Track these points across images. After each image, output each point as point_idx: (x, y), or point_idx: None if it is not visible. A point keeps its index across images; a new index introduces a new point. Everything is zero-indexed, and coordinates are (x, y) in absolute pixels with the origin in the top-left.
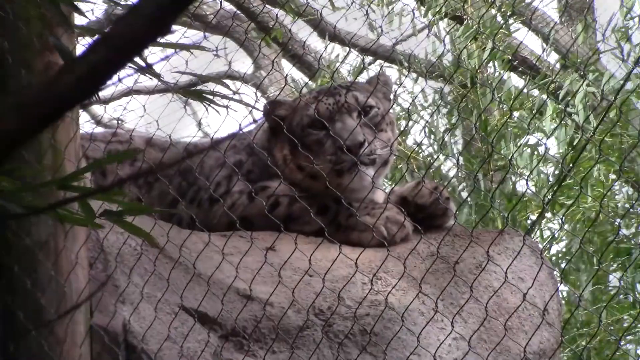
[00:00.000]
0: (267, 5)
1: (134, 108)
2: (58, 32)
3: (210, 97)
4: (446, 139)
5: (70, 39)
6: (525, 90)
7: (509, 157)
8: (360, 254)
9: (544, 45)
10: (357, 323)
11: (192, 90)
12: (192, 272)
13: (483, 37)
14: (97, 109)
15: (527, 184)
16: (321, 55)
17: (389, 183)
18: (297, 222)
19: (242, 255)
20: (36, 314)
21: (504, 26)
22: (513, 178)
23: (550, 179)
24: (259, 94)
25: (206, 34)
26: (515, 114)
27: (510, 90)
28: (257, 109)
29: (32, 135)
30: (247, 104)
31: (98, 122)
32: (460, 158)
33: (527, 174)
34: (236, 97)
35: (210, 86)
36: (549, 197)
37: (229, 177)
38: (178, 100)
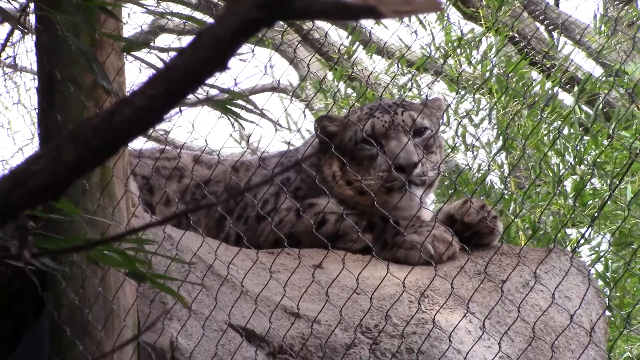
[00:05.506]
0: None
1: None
2: (107, 50)
3: (237, 110)
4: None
5: (119, 57)
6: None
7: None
8: (408, 273)
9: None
10: (404, 341)
11: (219, 101)
12: (239, 290)
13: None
14: None
15: (574, 203)
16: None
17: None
18: (343, 239)
19: (291, 274)
20: (83, 329)
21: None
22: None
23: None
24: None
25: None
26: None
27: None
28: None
29: (90, 167)
30: (268, 119)
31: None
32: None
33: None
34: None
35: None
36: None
37: (277, 195)
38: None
